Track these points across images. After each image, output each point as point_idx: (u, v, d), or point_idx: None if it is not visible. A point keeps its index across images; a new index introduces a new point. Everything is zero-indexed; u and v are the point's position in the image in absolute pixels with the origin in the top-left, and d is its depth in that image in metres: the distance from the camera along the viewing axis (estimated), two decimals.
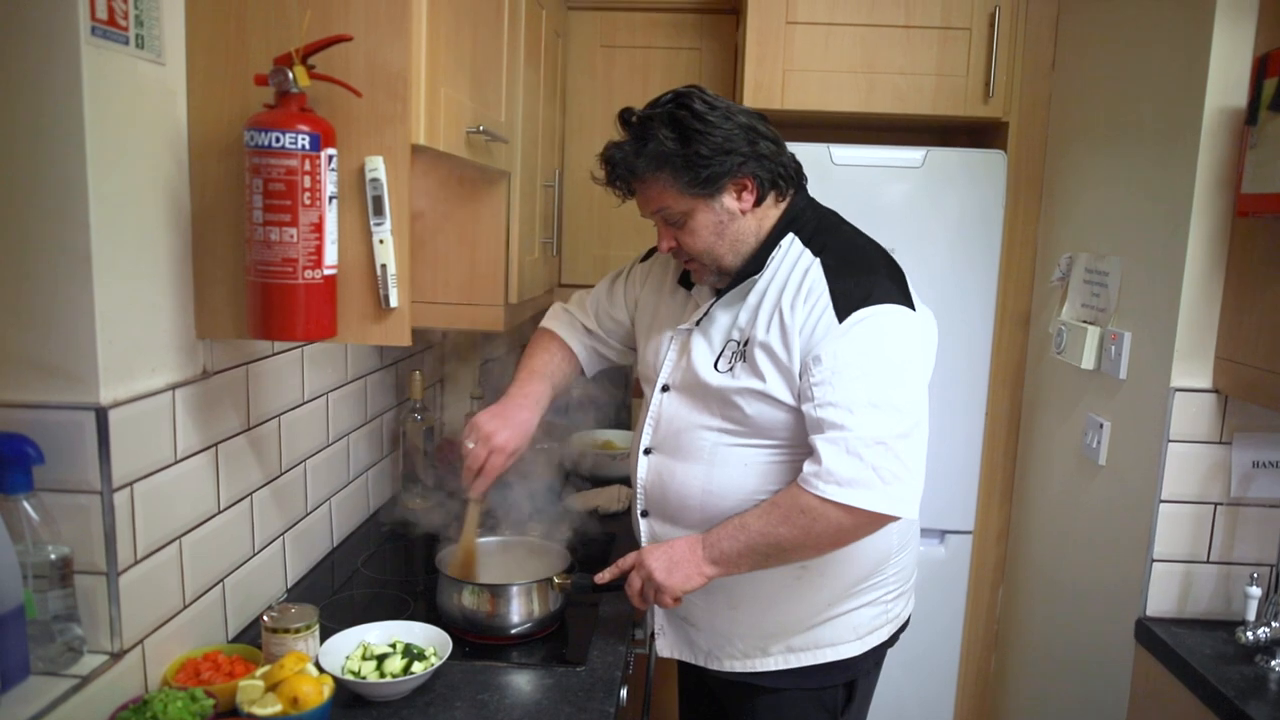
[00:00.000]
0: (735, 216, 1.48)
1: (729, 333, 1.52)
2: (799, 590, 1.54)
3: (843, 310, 1.39)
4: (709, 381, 1.50)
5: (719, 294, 1.54)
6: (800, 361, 1.42)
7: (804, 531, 1.37)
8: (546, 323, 1.81)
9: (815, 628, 1.57)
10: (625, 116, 1.49)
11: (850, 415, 1.35)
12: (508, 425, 1.58)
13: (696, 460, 1.53)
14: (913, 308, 1.44)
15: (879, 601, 1.60)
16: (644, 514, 1.62)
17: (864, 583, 1.57)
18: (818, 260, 1.46)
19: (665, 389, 1.59)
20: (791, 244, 1.50)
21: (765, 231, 1.51)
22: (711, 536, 1.45)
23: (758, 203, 1.48)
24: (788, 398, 1.44)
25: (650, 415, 1.60)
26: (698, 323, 1.56)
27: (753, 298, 1.50)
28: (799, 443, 1.45)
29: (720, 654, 1.60)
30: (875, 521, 1.37)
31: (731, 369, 1.49)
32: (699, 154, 1.41)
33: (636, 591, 1.48)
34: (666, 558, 1.46)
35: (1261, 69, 1.55)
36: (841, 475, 1.34)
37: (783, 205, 1.52)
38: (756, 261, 1.50)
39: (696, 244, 1.49)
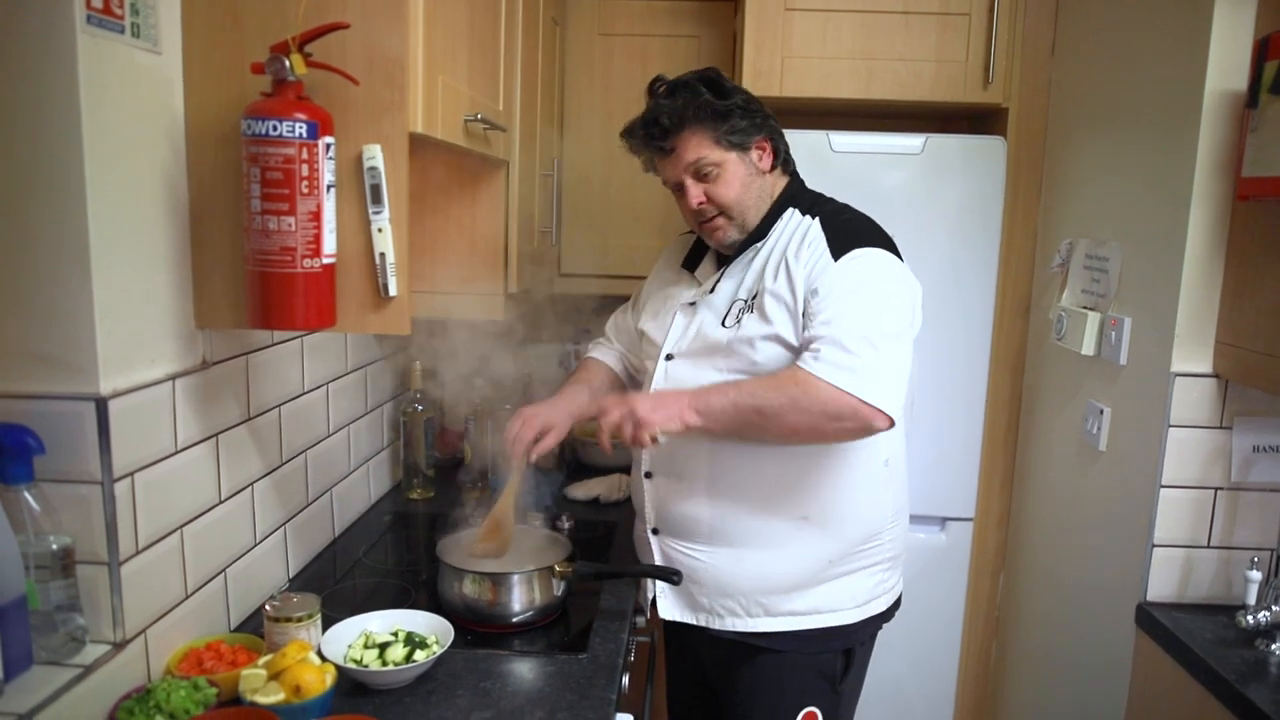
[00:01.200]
0: (759, 174, 1.62)
1: (735, 293, 1.63)
2: (800, 541, 1.61)
3: (837, 251, 1.53)
4: (717, 338, 1.60)
5: (723, 264, 1.67)
6: (803, 301, 1.52)
7: (790, 401, 1.44)
8: (593, 353, 1.95)
9: (814, 588, 1.62)
10: (657, 84, 1.63)
11: (842, 321, 1.46)
12: (543, 407, 1.73)
13: (701, 435, 1.56)
14: (900, 257, 1.57)
15: (875, 569, 1.66)
16: (648, 475, 1.67)
17: (861, 546, 1.64)
18: (816, 220, 1.60)
19: (670, 357, 1.66)
20: (792, 215, 1.63)
21: (774, 196, 1.65)
22: (702, 390, 1.52)
23: (773, 167, 1.64)
24: (794, 335, 1.53)
25: (654, 384, 1.66)
26: (711, 290, 1.66)
27: (757, 262, 1.62)
28: None
29: (722, 611, 1.65)
30: (858, 415, 1.43)
31: (739, 322, 1.59)
32: (737, 106, 1.57)
33: (613, 423, 1.52)
34: (653, 398, 1.54)
35: (1262, 52, 1.54)
36: (832, 360, 1.43)
37: (785, 180, 1.67)
38: (760, 230, 1.63)
39: (729, 194, 1.60)
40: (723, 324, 1.61)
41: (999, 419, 2.45)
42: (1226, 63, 1.64)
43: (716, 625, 1.66)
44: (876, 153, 2.27)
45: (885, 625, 1.74)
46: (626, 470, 1.72)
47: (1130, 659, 1.82)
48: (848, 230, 1.57)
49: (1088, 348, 2.01)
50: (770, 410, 1.46)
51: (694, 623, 1.68)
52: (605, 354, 1.93)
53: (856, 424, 1.45)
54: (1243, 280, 1.65)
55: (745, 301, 1.60)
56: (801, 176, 1.72)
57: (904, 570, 1.78)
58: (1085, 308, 2.05)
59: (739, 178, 1.60)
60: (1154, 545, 1.78)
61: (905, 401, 1.53)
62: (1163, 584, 1.79)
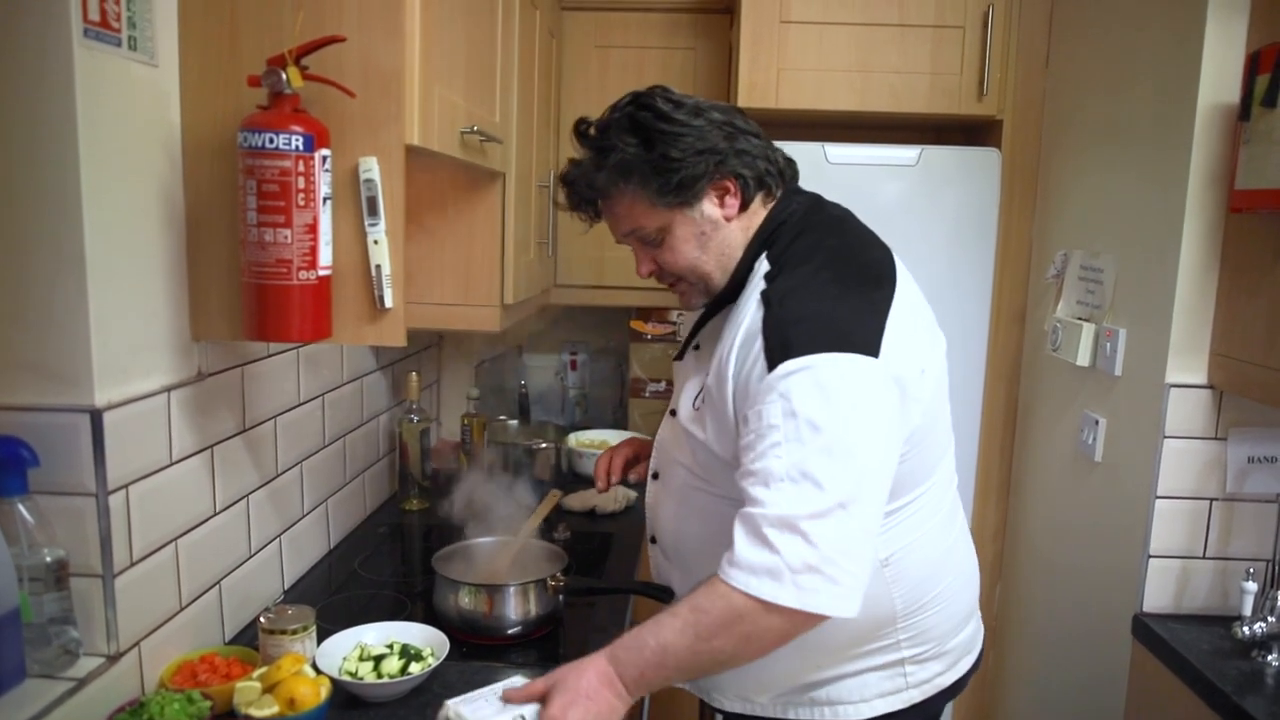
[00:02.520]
0: (719, 225, 1.31)
1: (706, 365, 1.34)
2: (781, 650, 1.28)
3: (773, 358, 1.17)
4: (681, 420, 1.37)
5: (699, 323, 1.41)
6: (734, 417, 1.24)
7: (743, 640, 1.15)
8: None
9: (811, 687, 1.39)
10: (580, 129, 1.35)
11: (765, 490, 1.13)
12: (626, 443, 1.69)
13: (673, 496, 1.43)
14: (873, 351, 1.18)
15: (895, 665, 1.38)
16: (652, 540, 1.52)
17: (861, 647, 1.36)
18: (761, 295, 1.25)
19: (673, 413, 1.44)
20: (759, 268, 1.30)
21: (746, 243, 1.33)
22: (627, 667, 1.20)
23: (744, 206, 1.32)
24: (725, 454, 1.27)
25: (657, 439, 1.50)
26: (695, 349, 1.42)
27: (727, 329, 1.30)
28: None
29: (715, 692, 1.45)
30: (795, 619, 1.12)
31: (699, 409, 1.32)
32: (667, 157, 1.25)
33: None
34: (582, 704, 1.18)
35: (1254, 65, 1.55)
36: (750, 561, 1.12)
37: (770, 206, 1.35)
38: (734, 287, 1.33)
39: (679, 262, 1.32)
40: (694, 404, 1.34)
41: (995, 430, 2.45)
42: (1219, 76, 1.65)
43: (708, 701, 1.47)
44: (872, 165, 2.28)
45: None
46: (623, 482, 1.70)
47: (1127, 670, 1.81)
48: (794, 315, 1.20)
49: (1083, 359, 2.01)
50: (721, 657, 1.17)
51: (694, 694, 1.51)
52: None
53: (808, 624, 1.14)
54: (1237, 291, 1.66)
55: (704, 384, 1.32)
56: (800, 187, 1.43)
57: (961, 652, 1.46)
58: (1080, 319, 2.06)
59: (687, 240, 1.31)
60: (1150, 556, 1.78)
61: (940, 477, 1.35)
62: (1159, 595, 1.79)
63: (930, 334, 1.35)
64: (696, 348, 1.42)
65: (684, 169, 1.26)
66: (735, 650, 1.16)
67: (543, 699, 1.21)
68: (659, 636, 1.18)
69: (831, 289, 1.24)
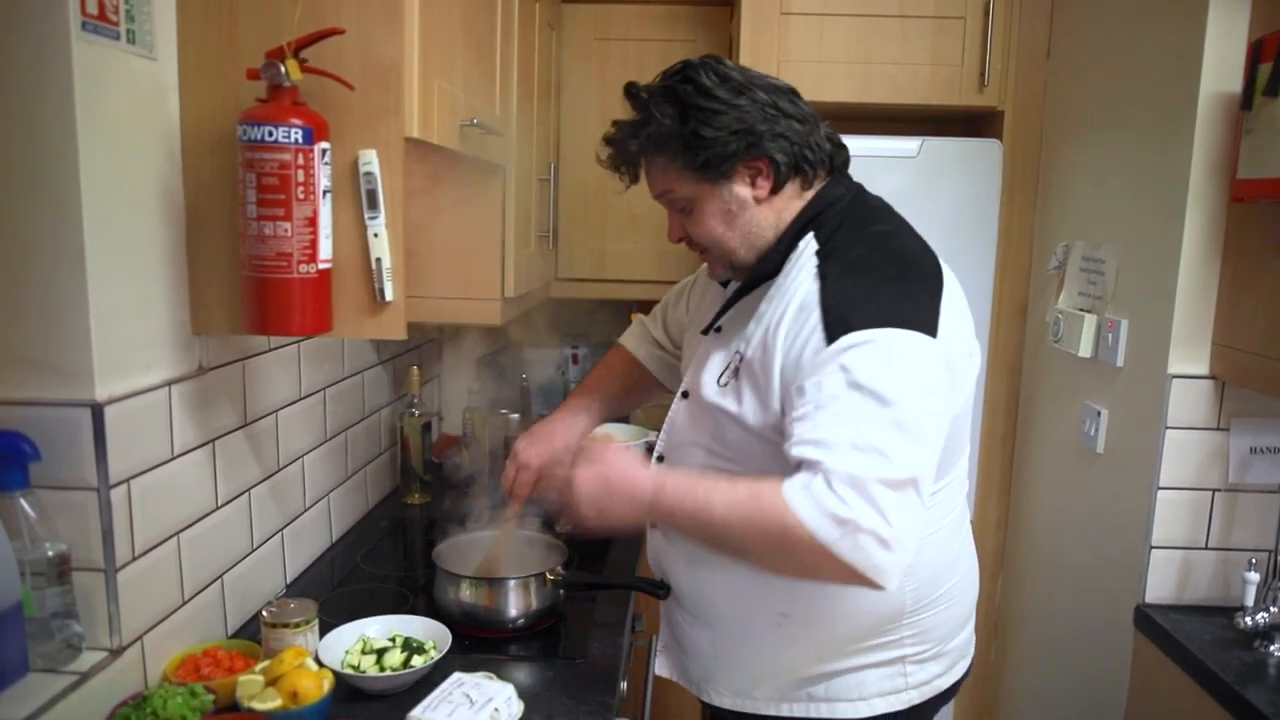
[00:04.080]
0: (747, 205, 1.31)
1: (738, 343, 1.34)
2: (780, 637, 1.36)
3: (833, 331, 1.18)
4: (706, 396, 1.35)
5: (733, 299, 1.38)
6: (780, 391, 1.23)
7: (773, 547, 1.14)
8: (622, 338, 1.77)
9: (809, 682, 1.38)
10: (631, 91, 1.35)
11: (829, 452, 1.11)
12: (535, 441, 1.57)
13: None
14: (930, 331, 1.19)
15: (895, 664, 1.38)
16: (651, 525, 1.51)
17: (864, 642, 1.36)
18: (817, 270, 1.26)
19: (684, 395, 1.45)
20: (807, 247, 1.30)
21: (785, 224, 1.32)
22: (665, 499, 1.21)
23: (775, 190, 1.31)
24: (761, 428, 1.27)
25: (667, 420, 1.47)
26: (714, 329, 1.41)
27: (764, 306, 1.31)
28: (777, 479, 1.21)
29: (709, 686, 1.46)
30: (841, 572, 1.11)
31: (727, 385, 1.33)
32: (699, 135, 1.26)
33: (541, 494, 1.45)
34: (603, 493, 1.23)
35: (1256, 54, 1.54)
36: (821, 501, 1.10)
37: (809, 194, 1.34)
38: (774, 261, 1.32)
39: (703, 234, 1.34)
40: (719, 379, 1.34)
41: (996, 421, 2.45)
42: (1221, 65, 1.65)
43: (705, 699, 1.47)
44: (873, 156, 2.27)
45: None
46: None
47: (1129, 661, 1.81)
48: (854, 292, 1.21)
49: (1085, 350, 2.01)
50: (748, 551, 1.19)
51: (687, 688, 1.51)
52: (637, 344, 1.73)
53: (844, 581, 1.13)
54: (1239, 282, 1.66)
55: (739, 359, 1.32)
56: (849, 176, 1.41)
57: (960, 654, 1.47)
58: (1082, 310, 2.05)
59: (714, 215, 1.32)
60: (1152, 547, 1.78)
61: (959, 475, 1.36)
62: (1161, 586, 1.79)
63: (971, 331, 1.34)
64: (719, 329, 1.41)
65: (714, 147, 1.26)
66: (762, 555, 1.17)
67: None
68: (709, 497, 1.18)
69: (890, 269, 1.25)
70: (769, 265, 1.32)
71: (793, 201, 1.33)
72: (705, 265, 1.48)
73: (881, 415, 1.12)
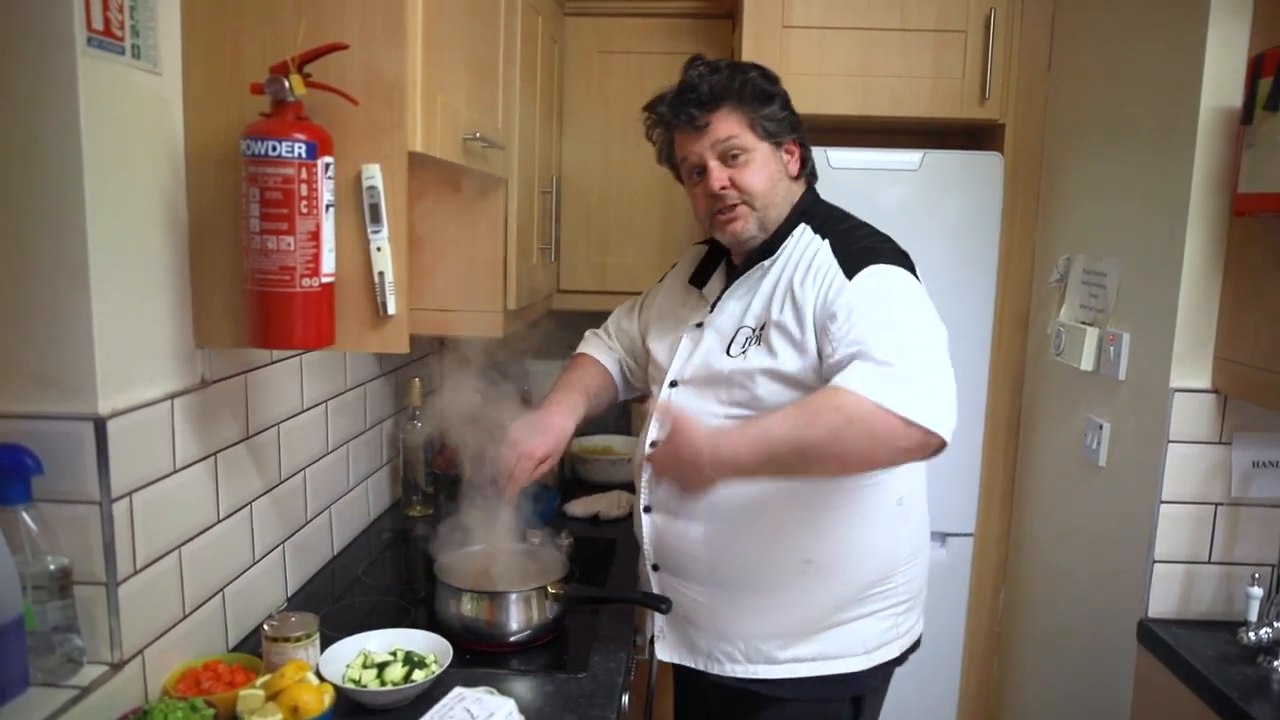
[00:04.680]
0: (785, 174, 1.55)
1: (741, 320, 1.53)
2: (804, 586, 1.51)
3: (851, 269, 1.42)
4: (720, 367, 1.51)
5: (729, 281, 1.59)
6: (817, 328, 1.42)
7: (832, 434, 1.24)
8: (580, 347, 1.87)
9: (820, 634, 1.53)
10: (697, 60, 1.54)
11: (871, 336, 1.32)
12: (538, 432, 1.61)
13: None
14: (919, 281, 1.46)
15: (888, 613, 1.56)
16: (647, 510, 1.60)
17: (871, 589, 1.54)
18: (826, 241, 1.49)
19: (674, 384, 1.58)
20: (803, 233, 1.53)
21: (789, 210, 1.55)
22: (730, 441, 1.30)
23: (799, 172, 1.57)
24: (799, 371, 1.43)
25: (658, 411, 1.55)
26: (711, 309, 1.59)
27: (765, 284, 1.52)
28: None
29: (721, 656, 1.57)
30: (909, 437, 1.24)
31: (744, 352, 1.50)
32: (783, 98, 1.54)
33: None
34: (680, 466, 1.32)
35: (1256, 68, 1.55)
36: (869, 375, 1.26)
37: (802, 190, 1.59)
38: (773, 244, 1.54)
39: (756, 183, 1.51)
40: (727, 351, 1.52)
41: (998, 434, 2.45)
42: (1221, 79, 1.65)
43: (715, 670, 1.57)
44: (874, 169, 2.28)
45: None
46: (626, 487, 1.70)
47: (1132, 675, 1.81)
48: (861, 248, 1.46)
49: (1086, 363, 2.01)
50: (813, 450, 1.26)
51: (693, 666, 1.61)
52: (603, 354, 1.84)
53: (909, 445, 1.25)
54: (1241, 295, 1.66)
55: (753, 331, 1.50)
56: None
57: (924, 608, 1.69)
58: (1084, 323, 2.05)
59: (769, 169, 1.52)
60: (1155, 561, 1.77)
61: None
62: (1164, 600, 1.78)
63: None
64: (704, 323, 1.59)
65: (786, 114, 1.54)
66: (825, 448, 1.26)
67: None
68: (761, 424, 1.32)
69: (879, 237, 1.52)
70: (769, 247, 1.54)
71: (796, 189, 1.58)
72: (665, 278, 1.77)
73: (907, 314, 1.37)
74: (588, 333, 1.91)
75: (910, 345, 1.30)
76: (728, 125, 1.50)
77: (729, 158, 1.51)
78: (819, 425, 1.25)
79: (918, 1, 2.24)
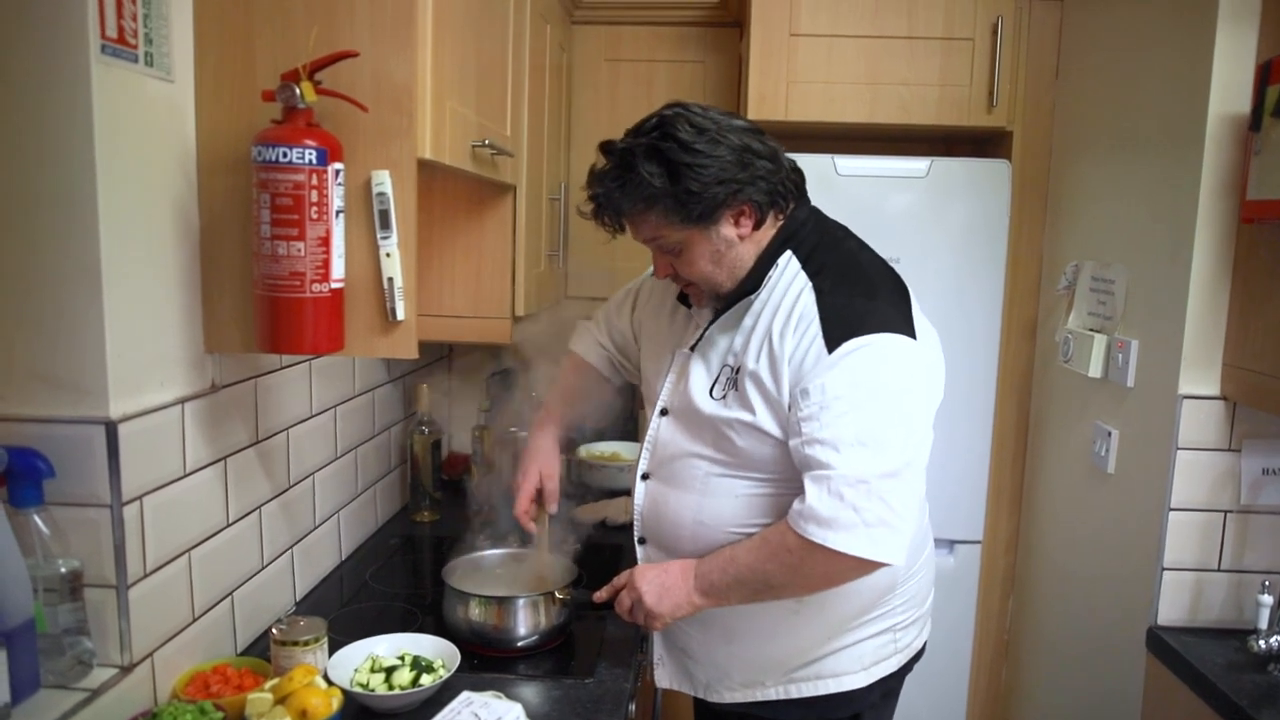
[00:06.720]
0: (733, 244, 1.40)
1: (725, 357, 1.46)
2: (796, 625, 1.49)
3: (833, 339, 1.32)
4: (702, 409, 1.45)
5: (715, 315, 1.47)
6: (789, 394, 1.36)
7: (790, 570, 1.34)
8: (571, 342, 1.85)
9: (816, 661, 1.52)
10: (607, 149, 1.41)
11: (835, 454, 1.29)
12: (530, 461, 1.72)
13: (689, 489, 1.48)
14: (913, 335, 1.37)
15: (887, 632, 1.54)
16: (640, 541, 1.58)
17: (867, 615, 1.51)
18: (810, 284, 1.39)
19: (664, 413, 1.54)
20: (788, 264, 1.42)
21: (758, 254, 1.43)
22: (703, 566, 1.42)
23: (757, 227, 1.41)
24: (776, 431, 1.38)
25: (649, 439, 1.56)
26: (694, 346, 1.50)
27: (748, 320, 1.43)
28: (789, 476, 1.38)
29: (719, 686, 1.56)
30: (861, 566, 1.31)
31: (724, 397, 1.43)
32: (689, 191, 1.33)
33: (626, 610, 1.48)
34: (658, 583, 1.44)
35: (1265, 75, 1.55)
36: (823, 515, 1.28)
37: (782, 219, 1.45)
38: (753, 281, 1.43)
39: (693, 273, 1.43)
40: (710, 393, 1.45)
41: (1006, 441, 2.44)
42: (1229, 86, 1.65)
43: (713, 698, 1.57)
44: (882, 176, 2.29)
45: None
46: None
47: (1141, 683, 1.80)
48: (846, 304, 1.36)
49: (1095, 370, 2.01)
50: (775, 582, 1.37)
51: (691, 694, 1.61)
52: (588, 349, 1.81)
53: (863, 571, 1.34)
54: (1249, 302, 1.65)
55: (732, 371, 1.43)
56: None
57: (928, 619, 1.67)
58: (1092, 330, 2.05)
59: (704, 256, 1.40)
60: (1164, 568, 1.77)
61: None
62: (1173, 608, 1.78)
63: (929, 326, 1.47)
64: (699, 339, 1.51)
65: (703, 200, 1.35)
66: (786, 581, 1.37)
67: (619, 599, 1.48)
68: (732, 549, 1.41)
69: (872, 281, 1.41)
70: (749, 284, 1.44)
71: (769, 230, 1.44)
72: (648, 273, 1.66)
73: (881, 410, 1.31)
74: (579, 323, 1.87)
75: (875, 469, 1.28)
76: (645, 229, 1.41)
77: (664, 249, 1.44)
78: (779, 563, 1.35)
79: (925, 9, 2.25)
